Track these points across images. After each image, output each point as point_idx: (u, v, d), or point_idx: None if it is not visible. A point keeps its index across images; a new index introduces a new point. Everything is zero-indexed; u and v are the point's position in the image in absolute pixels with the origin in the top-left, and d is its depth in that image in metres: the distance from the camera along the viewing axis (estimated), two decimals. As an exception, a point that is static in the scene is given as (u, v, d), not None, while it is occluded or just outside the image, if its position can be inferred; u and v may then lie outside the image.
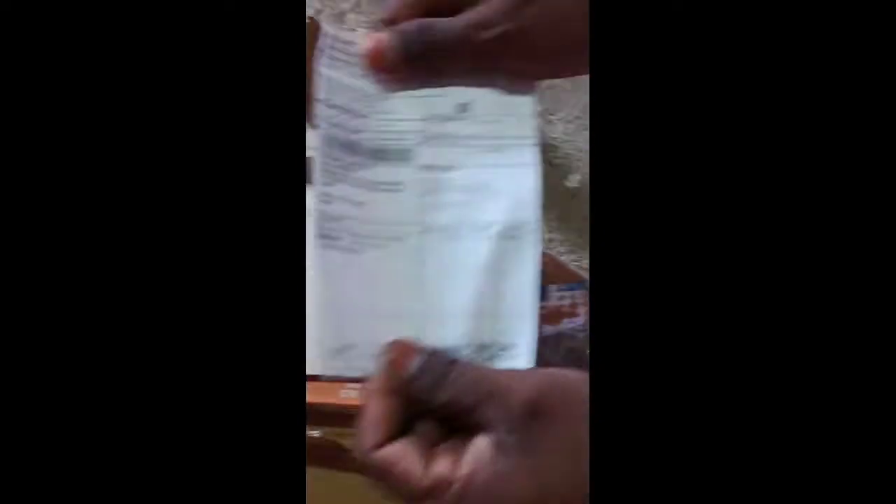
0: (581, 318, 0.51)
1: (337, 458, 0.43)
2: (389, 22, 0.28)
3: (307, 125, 0.27)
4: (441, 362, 0.26)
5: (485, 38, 0.27)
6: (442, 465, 0.25)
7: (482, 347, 0.28)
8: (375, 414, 0.26)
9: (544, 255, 0.52)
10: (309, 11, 0.57)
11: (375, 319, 0.28)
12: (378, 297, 0.28)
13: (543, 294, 0.51)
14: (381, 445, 0.26)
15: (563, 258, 0.57)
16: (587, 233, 0.58)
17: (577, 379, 0.26)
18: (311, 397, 0.30)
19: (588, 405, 0.23)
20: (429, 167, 0.29)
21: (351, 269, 0.28)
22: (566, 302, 0.51)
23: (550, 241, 0.57)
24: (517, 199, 0.28)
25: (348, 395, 0.41)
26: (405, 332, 0.27)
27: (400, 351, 0.27)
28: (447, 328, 0.28)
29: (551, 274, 0.51)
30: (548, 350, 0.51)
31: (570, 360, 0.52)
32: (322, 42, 0.28)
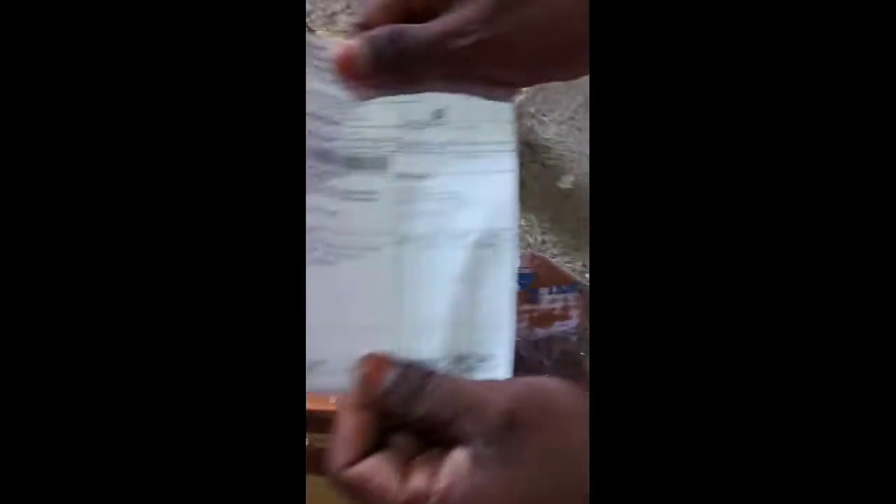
0: (573, 321, 0.51)
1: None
2: (363, 27, 0.28)
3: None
4: (416, 375, 0.25)
5: (460, 46, 0.26)
6: (418, 480, 0.25)
7: (460, 359, 0.28)
8: (348, 430, 0.26)
9: (536, 257, 0.52)
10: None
11: (350, 333, 0.27)
12: (353, 309, 0.28)
13: (535, 297, 0.50)
14: (354, 462, 0.25)
15: (557, 260, 0.56)
16: (580, 234, 0.58)
17: (555, 388, 0.25)
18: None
19: (568, 413, 0.23)
20: (404, 175, 0.28)
21: (325, 282, 0.28)
22: (558, 305, 0.51)
23: (543, 242, 0.57)
24: (494, 207, 0.28)
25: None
26: (381, 344, 0.27)
27: (374, 365, 0.26)
28: (424, 340, 0.27)
29: (543, 276, 0.51)
30: (540, 354, 0.50)
31: (563, 364, 0.51)
32: None
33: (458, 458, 0.24)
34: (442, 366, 0.27)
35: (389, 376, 0.25)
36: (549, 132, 0.59)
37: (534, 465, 0.24)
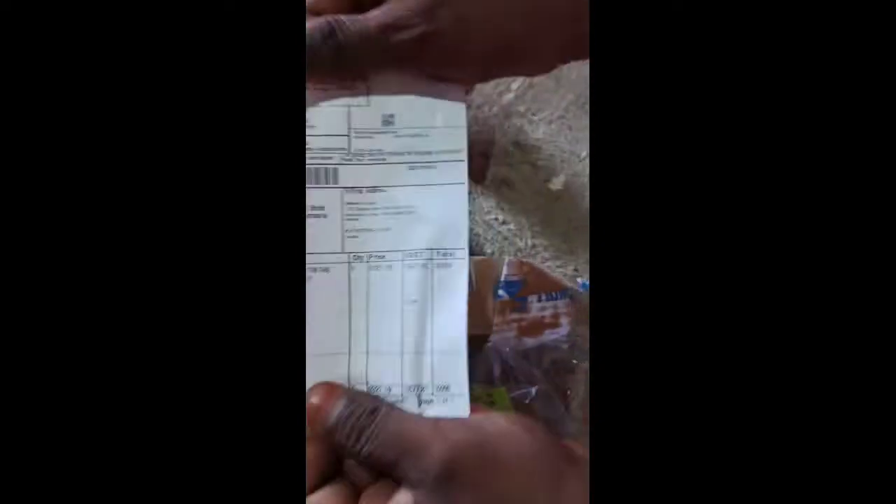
0: (564, 329, 0.49)
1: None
2: (313, 12, 0.26)
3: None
4: (362, 411, 0.24)
5: (401, 40, 0.25)
6: None
7: (417, 388, 0.26)
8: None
9: (524, 264, 0.50)
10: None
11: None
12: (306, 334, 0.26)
13: (523, 306, 0.48)
14: (307, 493, 0.25)
15: (548, 265, 0.54)
16: (572, 237, 0.56)
17: (504, 433, 0.24)
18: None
19: (512, 462, 0.23)
20: (352, 189, 0.27)
21: None
22: (547, 312, 0.49)
23: (534, 246, 0.55)
24: (447, 223, 0.26)
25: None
26: (332, 371, 0.25)
27: (322, 395, 0.25)
28: (376, 367, 0.26)
29: (532, 284, 0.49)
30: (530, 364, 0.48)
31: (556, 372, 0.50)
32: None
33: (402, 501, 0.23)
34: (395, 394, 0.26)
35: (337, 408, 0.24)
36: (538, 132, 0.57)
37: None
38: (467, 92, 0.27)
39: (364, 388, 0.26)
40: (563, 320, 0.49)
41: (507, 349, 0.48)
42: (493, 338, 0.46)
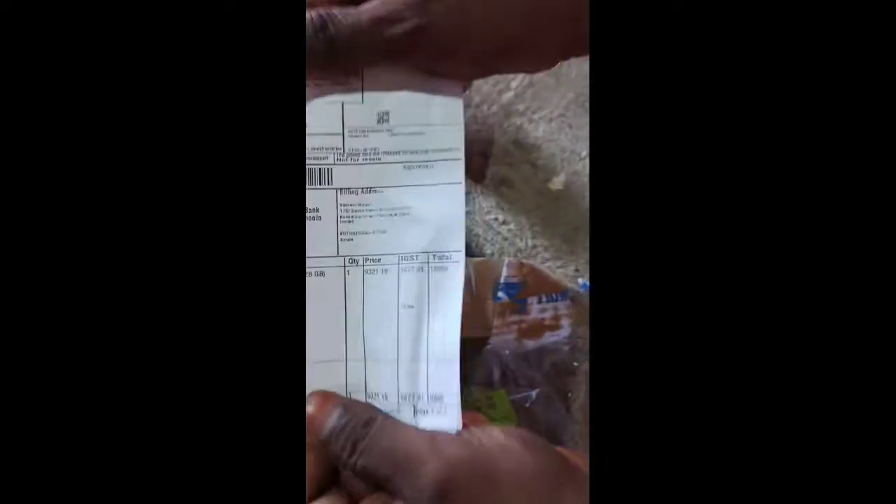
0: (565, 331, 0.48)
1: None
2: (308, 4, 0.26)
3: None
4: (357, 422, 0.24)
5: (394, 34, 0.24)
6: None
7: (412, 396, 0.25)
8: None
9: (524, 265, 0.49)
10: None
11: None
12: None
13: (523, 307, 0.48)
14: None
15: (548, 265, 0.53)
16: (572, 237, 0.55)
17: (500, 448, 0.23)
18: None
19: (507, 479, 0.22)
20: (347, 190, 0.26)
21: None
22: (548, 314, 0.48)
23: (534, 247, 0.54)
24: (444, 224, 0.25)
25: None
26: (329, 378, 0.25)
27: (318, 405, 0.24)
28: (373, 373, 0.25)
29: (532, 285, 0.48)
30: (530, 367, 0.48)
31: (556, 374, 0.49)
32: None
33: None
34: (392, 403, 0.25)
35: (332, 419, 0.24)
36: (538, 131, 0.56)
37: None
38: (465, 89, 0.27)
39: (362, 396, 0.25)
40: (564, 322, 0.48)
41: (507, 352, 0.47)
42: (493, 340, 0.46)
